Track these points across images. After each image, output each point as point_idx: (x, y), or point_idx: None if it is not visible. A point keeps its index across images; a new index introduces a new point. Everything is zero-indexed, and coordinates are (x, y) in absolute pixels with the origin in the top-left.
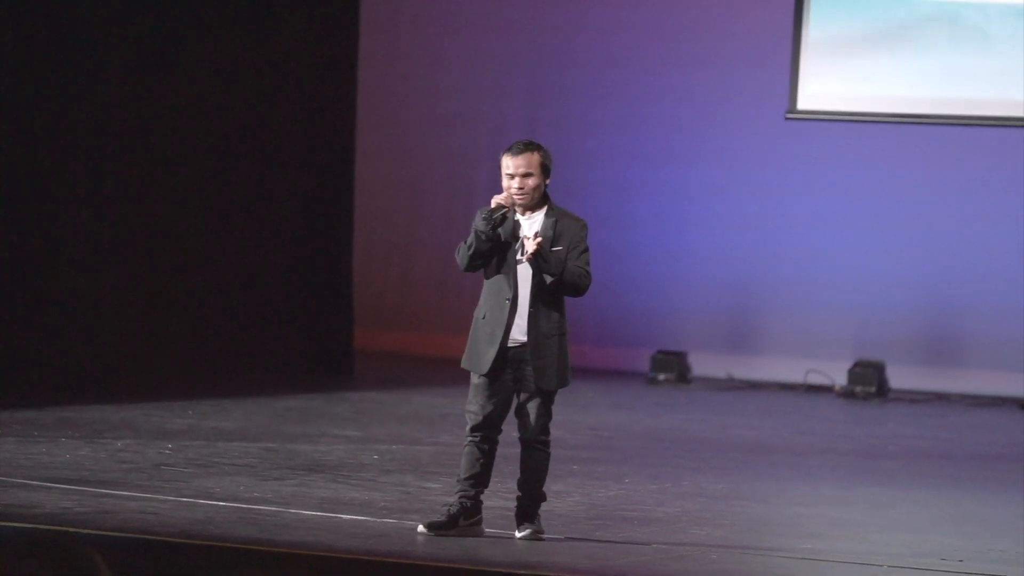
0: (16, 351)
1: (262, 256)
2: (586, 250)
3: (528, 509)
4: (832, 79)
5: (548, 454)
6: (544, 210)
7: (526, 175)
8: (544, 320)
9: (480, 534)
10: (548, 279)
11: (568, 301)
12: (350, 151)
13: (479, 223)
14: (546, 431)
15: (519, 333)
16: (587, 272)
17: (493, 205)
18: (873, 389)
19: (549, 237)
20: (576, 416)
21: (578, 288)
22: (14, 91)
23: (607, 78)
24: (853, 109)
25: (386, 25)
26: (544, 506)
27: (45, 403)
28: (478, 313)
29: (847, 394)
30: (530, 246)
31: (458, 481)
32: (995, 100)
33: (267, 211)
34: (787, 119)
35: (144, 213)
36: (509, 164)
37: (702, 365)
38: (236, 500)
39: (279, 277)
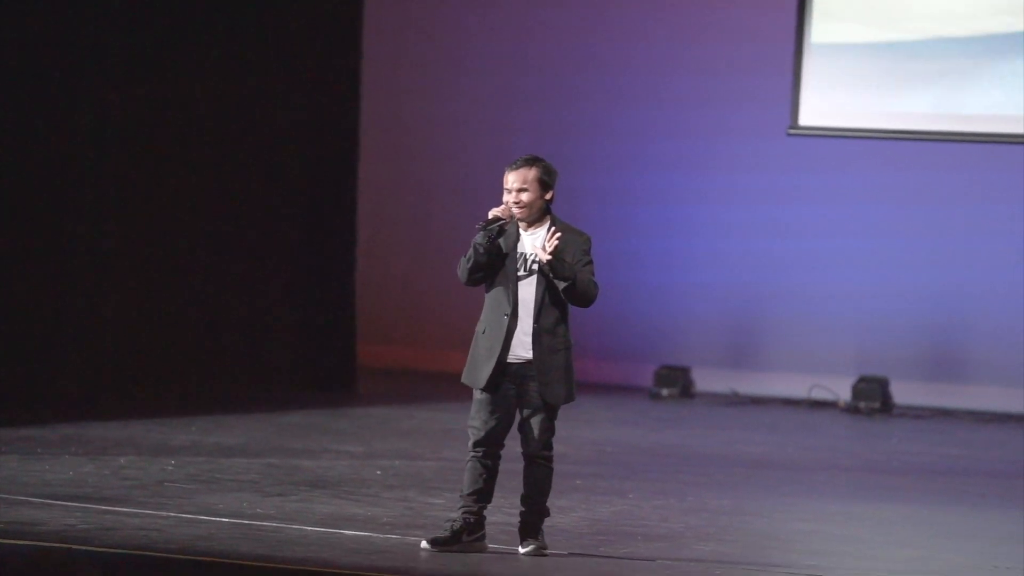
0: (18, 368)
1: (264, 271)
2: (590, 262)
3: (531, 524)
4: (834, 93)
5: (551, 469)
6: (547, 225)
7: (521, 190)
8: (548, 335)
9: (483, 550)
10: (561, 285)
11: (571, 316)
12: (353, 164)
13: (477, 235)
14: (549, 446)
15: (522, 349)
16: (595, 282)
17: (490, 216)
18: (877, 405)
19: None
20: (579, 431)
21: (588, 296)
22: (14, 99)
23: (615, 84)
24: (855, 124)
25: (391, 45)
26: (547, 521)
27: (48, 420)
28: (479, 328)
29: (851, 409)
30: (548, 245)
31: (461, 497)
32: (998, 116)
33: (270, 225)
34: (789, 134)
35: (145, 228)
36: (507, 179)
37: (706, 380)
38: (238, 516)
39: (281, 292)
